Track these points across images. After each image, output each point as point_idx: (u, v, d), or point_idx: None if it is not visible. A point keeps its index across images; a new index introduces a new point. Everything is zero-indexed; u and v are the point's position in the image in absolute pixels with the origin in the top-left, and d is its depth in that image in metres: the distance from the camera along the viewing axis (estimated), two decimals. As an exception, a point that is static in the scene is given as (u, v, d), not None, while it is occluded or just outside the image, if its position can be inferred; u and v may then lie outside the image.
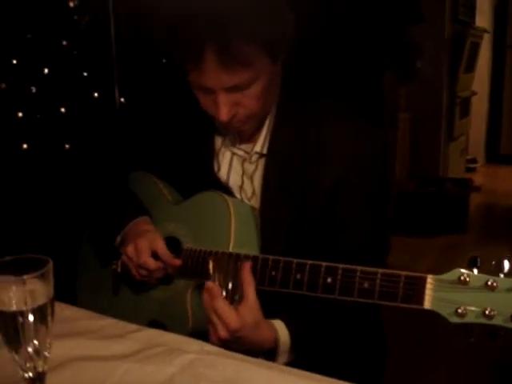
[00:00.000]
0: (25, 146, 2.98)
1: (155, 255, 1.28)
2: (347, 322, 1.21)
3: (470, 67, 5.15)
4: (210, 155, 1.34)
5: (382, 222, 1.26)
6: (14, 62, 2.99)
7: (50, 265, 0.80)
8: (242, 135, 1.30)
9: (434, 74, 4.80)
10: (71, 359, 0.99)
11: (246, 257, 1.15)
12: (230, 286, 1.10)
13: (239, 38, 1.09)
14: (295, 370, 0.98)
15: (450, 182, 4.74)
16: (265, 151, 1.28)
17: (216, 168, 1.34)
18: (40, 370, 0.80)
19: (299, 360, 1.14)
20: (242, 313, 1.07)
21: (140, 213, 1.36)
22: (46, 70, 3.01)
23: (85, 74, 3.10)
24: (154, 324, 1.26)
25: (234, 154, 1.33)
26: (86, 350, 1.03)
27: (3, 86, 2.98)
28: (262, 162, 1.29)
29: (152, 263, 1.27)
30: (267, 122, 1.28)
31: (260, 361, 1.02)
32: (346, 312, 1.15)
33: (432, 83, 4.81)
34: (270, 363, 1.01)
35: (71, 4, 3.07)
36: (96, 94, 3.10)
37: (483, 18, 6.25)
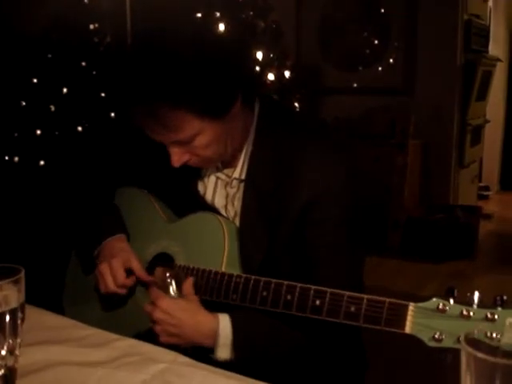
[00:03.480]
0: (42, 162, 3.06)
1: (129, 272, 1.35)
2: (320, 334, 1.22)
3: (482, 95, 5.16)
4: (196, 178, 1.41)
5: (352, 241, 1.28)
6: (35, 80, 3.09)
7: (23, 273, 0.89)
8: (223, 161, 1.35)
9: (445, 101, 4.83)
10: (54, 363, 1.06)
11: (239, 277, 1.21)
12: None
13: (164, 106, 1.14)
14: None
15: (460, 208, 4.75)
16: (243, 177, 1.33)
17: (202, 190, 1.40)
18: (11, 366, 0.87)
19: (242, 359, 1.20)
20: (176, 299, 1.21)
21: (117, 230, 1.43)
22: (65, 90, 3.10)
23: (102, 94, 3.18)
24: (140, 336, 1.28)
25: (218, 178, 1.39)
26: (68, 356, 1.09)
27: (23, 103, 3.07)
28: (242, 185, 1.34)
29: (129, 282, 1.35)
30: (245, 149, 1.33)
31: (231, 374, 1.04)
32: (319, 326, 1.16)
33: (443, 110, 4.84)
34: (240, 376, 1.04)
35: (91, 26, 3.16)
36: (112, 114, 3.17)
37: (497, 47, 6.30)
